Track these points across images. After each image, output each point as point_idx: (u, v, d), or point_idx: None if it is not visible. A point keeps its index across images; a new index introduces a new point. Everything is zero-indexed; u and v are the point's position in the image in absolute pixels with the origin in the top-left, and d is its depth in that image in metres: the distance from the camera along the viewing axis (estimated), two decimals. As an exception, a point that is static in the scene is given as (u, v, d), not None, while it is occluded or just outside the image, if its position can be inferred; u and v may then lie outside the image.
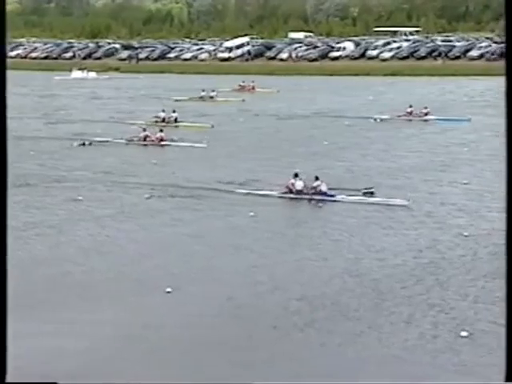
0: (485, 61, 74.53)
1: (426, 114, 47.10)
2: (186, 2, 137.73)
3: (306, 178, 28.50)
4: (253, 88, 63.68)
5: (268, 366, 15.51)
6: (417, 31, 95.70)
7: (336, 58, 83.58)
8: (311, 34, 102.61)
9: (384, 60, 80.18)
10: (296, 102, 57.09)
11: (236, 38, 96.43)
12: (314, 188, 27.85)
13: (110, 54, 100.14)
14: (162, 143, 40.14)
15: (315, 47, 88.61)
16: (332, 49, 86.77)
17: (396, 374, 15.24)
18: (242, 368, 15.47)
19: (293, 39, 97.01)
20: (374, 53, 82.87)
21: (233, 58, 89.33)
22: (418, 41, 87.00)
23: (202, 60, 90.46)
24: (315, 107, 53.97)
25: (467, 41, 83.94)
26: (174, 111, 46.67)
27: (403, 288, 19.59)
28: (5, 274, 3.65)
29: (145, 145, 40.64)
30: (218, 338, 16.86)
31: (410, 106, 47.71)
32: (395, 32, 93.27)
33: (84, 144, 39.95)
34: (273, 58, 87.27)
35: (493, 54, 75.52)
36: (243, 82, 64.24)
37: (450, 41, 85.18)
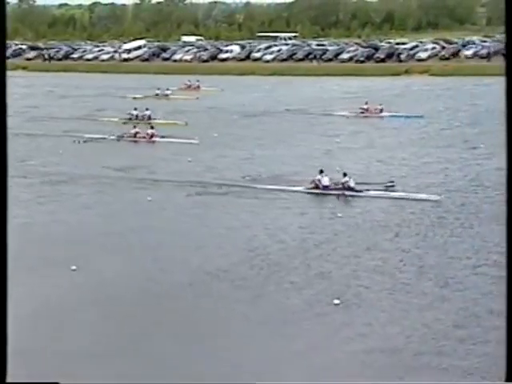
0: (353, 63, 75.78)
1: (381, 111, 45.28)
2: (88, 8, 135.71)
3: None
4: (198, 87, 61.84)
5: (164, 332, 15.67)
6: (295, 36, 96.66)
7: (224, 60, 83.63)
8: (202, 37, 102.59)
9: (267, 61, 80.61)
10: (246, 99, 55.69)
11: (134, 40, 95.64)
12: (343, 184, 26.67)
13: (17, 54, 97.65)
14: (153, 139, 38.19)
15: (205, 49, 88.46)
16: (220, 51, 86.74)
17: (283, 335, 15.61)
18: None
19: (185, 42, 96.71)
20: (258, 55, 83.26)
21: (131, 59, 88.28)
22: (296, 45, 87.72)
23: (103, 60, 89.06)
24: (267, 103, 52.96)
25: (338, 45, 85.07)
26: (146, 109, 44.22)
27: (294, 260, 20.02)
28: (5, 274, 3.48)
29: (135, 141, 38.49)
30: (115, 308, 16.82)
31: (366, 103, 45.80)
32: (276, 37, 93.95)
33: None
34: (167, 59, 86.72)
35: (360, 57, 76.97)
36: (189, 81, 62.42)
37: (324, 45, 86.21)
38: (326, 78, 66.66)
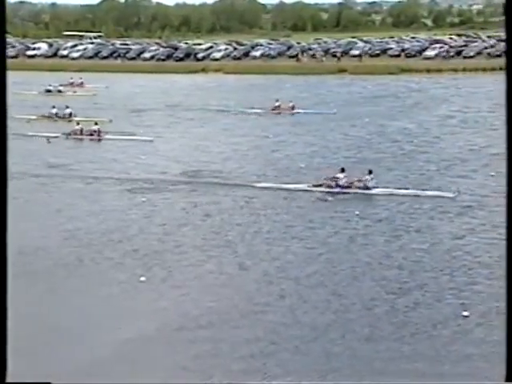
0: (155, 61, 75.69)
1: (293, 108, 43.05)
2: None
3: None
4: (81, 84, 56.92)
5: None
6: (100, 36, 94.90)
7: (32, 56, 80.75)
8: (9, 35, 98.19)
9: (73, 59, 78.71)
10: (137, 94, 53.18)
11: None
12: (361, 182, 24.48)
13: None
14: (101, 137, 35.13)
15: (13, 46, 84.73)
16: (28, 48, 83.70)
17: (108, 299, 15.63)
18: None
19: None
20: (65, 52, 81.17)
21: None
22: (101, 44, 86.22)
23: None
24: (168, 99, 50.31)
25: (140, 45, 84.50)
26: (67, 107, 40.63)
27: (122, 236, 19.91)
28: (5, 274, 3.28)
29: (81, 139, 35.24)
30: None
31: (277, 101, 43.38)
32: (82, 36, 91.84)
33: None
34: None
35: (161, 56, 76.99)
36: (71, 78, 57.88)
37: (127, 44, 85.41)
38: (132, 74, 66.07)
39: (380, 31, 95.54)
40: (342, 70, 65.39)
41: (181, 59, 75.59)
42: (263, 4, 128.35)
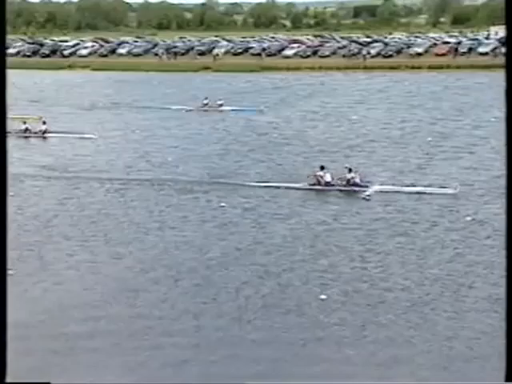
0: (20, 57, 72.92)
1: (221, 106, 41.70)
2: None
3: None
4: None
5: None
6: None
7: None
8: None
9: None
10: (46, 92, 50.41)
11: None
12: (348, 180, 23.51)
13: None
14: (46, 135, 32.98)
15: None
16: None
17: None
18: None
19: None
20: None
21: None
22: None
23: None
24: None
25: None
26: None
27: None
28: (5, 274, 3.21)
29: (26, 137, 33.04)
30: None
31: (206, 98, 42.05)
32: None
33: None
34: None
35: (26, 52, 74.49)
36: None
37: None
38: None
39: (242, 31, 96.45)
40: (205, 68, 65.45)
41: (47, 55, 73.44)
42: (128, 3, 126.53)
